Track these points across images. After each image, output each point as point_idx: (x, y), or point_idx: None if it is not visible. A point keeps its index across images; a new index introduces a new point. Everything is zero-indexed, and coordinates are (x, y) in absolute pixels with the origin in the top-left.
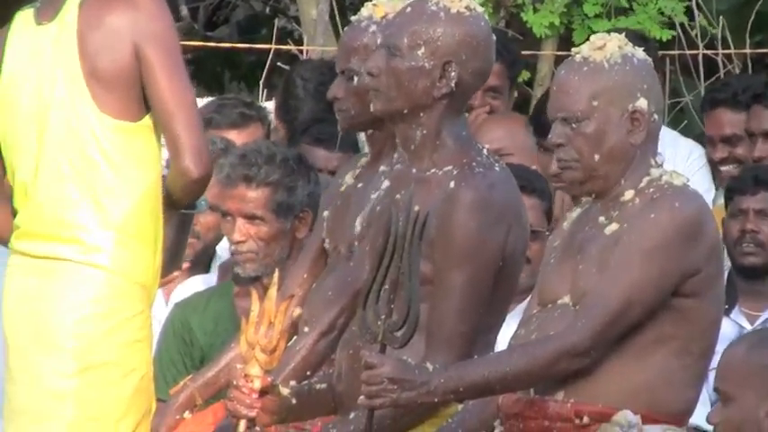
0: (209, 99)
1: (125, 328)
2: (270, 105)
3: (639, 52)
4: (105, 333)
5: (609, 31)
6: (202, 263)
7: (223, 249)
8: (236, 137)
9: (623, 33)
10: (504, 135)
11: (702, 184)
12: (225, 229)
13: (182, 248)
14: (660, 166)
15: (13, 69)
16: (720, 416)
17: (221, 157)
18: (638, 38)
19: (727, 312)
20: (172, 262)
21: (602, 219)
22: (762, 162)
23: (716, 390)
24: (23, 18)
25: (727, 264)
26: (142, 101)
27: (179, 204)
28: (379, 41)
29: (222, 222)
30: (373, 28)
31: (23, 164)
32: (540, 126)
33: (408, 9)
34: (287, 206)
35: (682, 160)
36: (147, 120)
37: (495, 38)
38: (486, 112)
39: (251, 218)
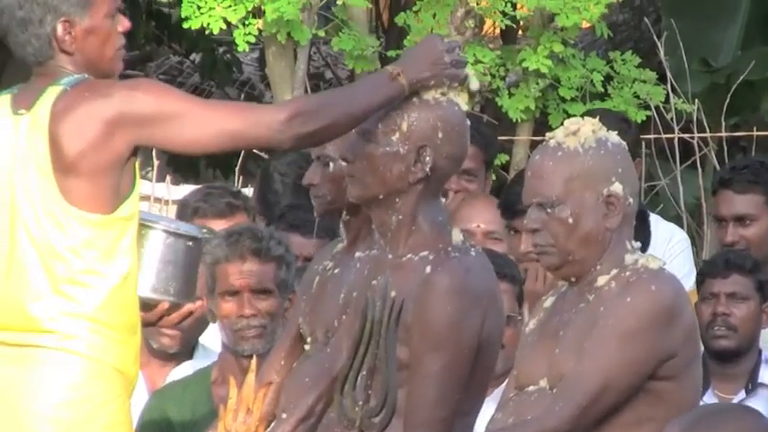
0: (188, 186)
1: (102, 413)
2: (247, 192)
3: (613, 136)
4: (83, 420)
5: (585, 114)
6: (185, 352)
7: (207, 337)
8: (223, 226)
9: (601, 114)
10: (495, 218)
11: (684, 266)
12: (223, 309)
13: (193, 279)
14: (636, 249)
15: None
16: None
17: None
18: (617, 118)
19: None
20: (184, 293)
21: (578, 303)
22: (733, 246)
23: None
24: (0, 104)
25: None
26: (117, 191)
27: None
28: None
29: (220, 303)
30: None
31: None
32: (508, 208)
33: None
34: (285, 284)
35: (662, 243)
36: (123, 209)
37: (468, 122)
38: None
39: (261, 292)
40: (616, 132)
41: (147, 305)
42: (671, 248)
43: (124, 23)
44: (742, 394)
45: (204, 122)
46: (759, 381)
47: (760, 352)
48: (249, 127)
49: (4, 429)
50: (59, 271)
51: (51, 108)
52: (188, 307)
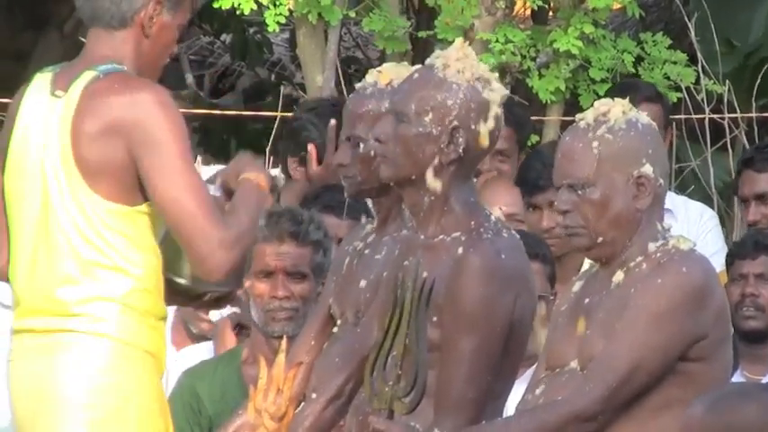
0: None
1: (136, 398)
2: (276, 172)
3: (643, 117)
4: (117, 406)
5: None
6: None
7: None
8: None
9: (630, 85)
10: (516, 200)
11: (716, 242)
12: (257, 288)
13: (240, 270)
14: (667, 230)
15: (23, 140)
16: None
17: None
18: (652, 92)
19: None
20: (231, 282)
21: (608, 284)
22: (756, 225)
23: None
24: (41, 83)
25: None
26: (137, 189)
27: None
28: (384, 108)
29: (255, 282)
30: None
31: (24, 238)
32: (528, 184)
33: (416, 75)
34: (321, 268)
35: (695, 222)
36: (145, 207)
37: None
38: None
39: (295, 275)
40: (646, 100)
41: (188, 293)
42: (702, 225)
43: (175, 47)
44: None
45: (180, 190)
46: None
47: None
48: (199, 231)
49: (39, 420)
50: (88, 255)
51: (81, 92)
52: (232, 294)
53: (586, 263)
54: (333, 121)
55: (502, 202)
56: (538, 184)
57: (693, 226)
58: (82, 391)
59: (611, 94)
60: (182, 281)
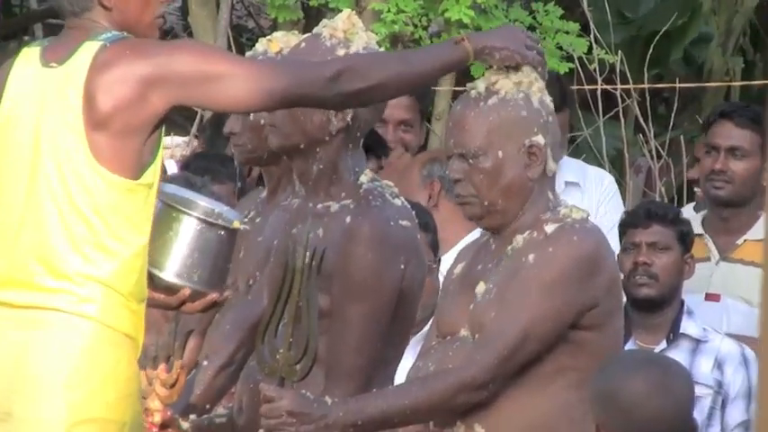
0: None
1: (116, 381)
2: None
3: (535, 86)
4: (96, 389)
5: None
6: None
7: None
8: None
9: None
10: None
11: (619, 209)
12: None
13: (220, 268)
14: (559, 200)
15: (12, 110)
16: None
17: None
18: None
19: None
20: (209, 282)
21: (499, 253)
22: (719, 175)
23: None
24: (29, 56)
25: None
26: (141, 156)
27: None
28: None
29: None
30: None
31: (9, 209)
32: None
33: (303, 44)
34: None
35: (595, 186)
36: (146, 176)
37: None
38: (402, 146)
39: None
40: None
41: (170, 289)
42: (604, 191)
43: (157, 5)
44: (663, 344)
45: (247, 81)
46: (681, 331)
47: (682, 303)
48: (294, 85)
49: (16, 397)
50: (80, 231)
51: (91, 62)
52: (212, 296)
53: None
54: None
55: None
56: None
57: (595, 191)
58: (62, 371)
59: None
60: (163, 275)
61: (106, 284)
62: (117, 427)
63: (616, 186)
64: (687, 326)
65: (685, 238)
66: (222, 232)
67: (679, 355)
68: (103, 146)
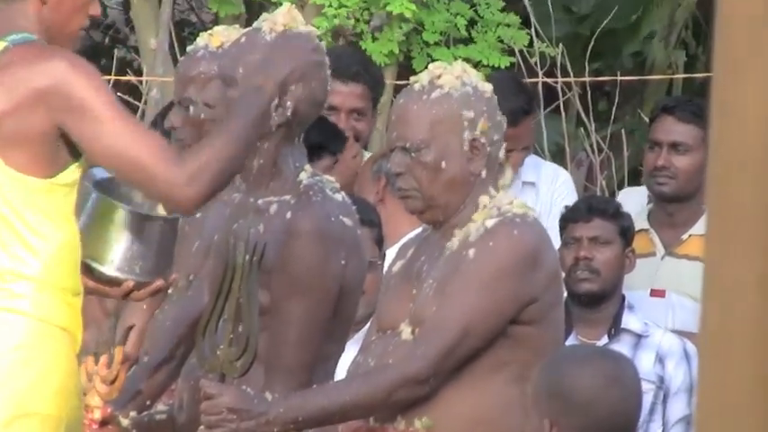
0: None
1: (54, 376)
2: None
3: (479, 81)
4: (36, 381)
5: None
6: None
7: None
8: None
9: (494, 78)
10: None
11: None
12: None
13: (163, 255)
14: (502, 194)
15: None
16: None
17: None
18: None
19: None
20: (152, 271)
21: (440, 247)
22: (662, 171)
23: None
24: None
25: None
26: (55, 159)
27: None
28: (215, 71)
29: None
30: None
31: None
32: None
33: (243, 39)
34: None
35: (548, 182)
36: (67, 176)
37: (328, 67)
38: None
39: None
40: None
41: (113, 281)
42: (558, 188)
43: (96, 8)
44: (605, 339)
45: (122, 140)
46: (622, 326)
47: (623, 298)
48: (155, 176)
49: None
50: (3, 231)
51: None
52: (157, 284)
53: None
54: None
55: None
56: None
57: (547, 187)
58: None
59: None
60: (104, 270)
61: (36, 281)
62: (55, 423)
63: (572, 183)
64: (628, 320)
65: (626, 233)
66: (162, 222)
67: (621, 349)
68: (7, 148)
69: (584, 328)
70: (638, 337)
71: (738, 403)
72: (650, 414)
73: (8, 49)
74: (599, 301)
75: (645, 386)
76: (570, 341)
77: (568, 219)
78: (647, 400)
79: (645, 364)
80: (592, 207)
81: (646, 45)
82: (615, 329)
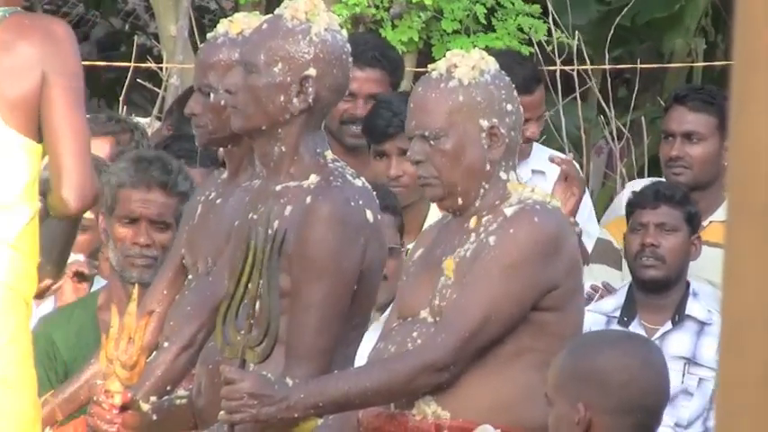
0: None
1: (17, 344)
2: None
3: (496, 68)
4: (5, 345)
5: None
6: None
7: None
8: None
9: (495, 54)
10: None
11: (585, 205)
12: (119, 232)
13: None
14: (520, 181)
15: None
16: (549, 419)
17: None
18: (511, 55)
19: (627, 325)
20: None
21: (461, 234)
22: (676, 162)
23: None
24: None
25: (629, 277)
26: (38, 122)
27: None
28: (235, 58)
29: (117, 226)
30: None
31: None
32: (374, 132)
33: (265, 25)
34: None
35: (557, 170)
36: (41, 147)
37: (350, 54)
38: None
39: (160, 224)
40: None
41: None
42: None
43: None
44: (668, 325)
45: (68, 126)
46: (686, 313)
47: (688, 284)
48: (74, 173)
49: None
50: None
51: None
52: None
53: (435, 213)
54: None
55: None
56: (387, 131)
57: (557, 175)
58: None
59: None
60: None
61: (11, 247)
62: (22, 389)
63: (579, 171)
64: (693, 307)
65: (693, 219)
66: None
67: (684, 336)
68: (8, 109)
69: (647, 314)
70: (702, 324)
71: (760, 384)
72: (711, 402)
73: (4, 17)
74: (664, 288)
75: (708, 374)
76: (634, 326)
77: (635, 204)
78: (709, 387)
79: (708, 351)
80: (659, 193)
81: (688, 36)
82: (679, 316)
